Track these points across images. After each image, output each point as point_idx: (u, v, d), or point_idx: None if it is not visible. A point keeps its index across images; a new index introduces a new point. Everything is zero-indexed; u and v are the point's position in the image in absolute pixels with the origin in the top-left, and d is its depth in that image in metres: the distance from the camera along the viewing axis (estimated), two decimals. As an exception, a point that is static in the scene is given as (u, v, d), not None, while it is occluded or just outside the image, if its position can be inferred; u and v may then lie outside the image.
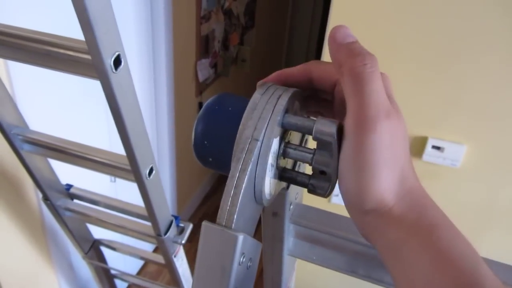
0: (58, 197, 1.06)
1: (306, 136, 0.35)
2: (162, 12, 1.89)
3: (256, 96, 0.29)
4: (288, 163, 0.33)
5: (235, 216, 0.27)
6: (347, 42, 0.30)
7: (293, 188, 0.41)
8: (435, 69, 1.25)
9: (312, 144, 0.31)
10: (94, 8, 0.53)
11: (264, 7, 3.43)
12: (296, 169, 0.34)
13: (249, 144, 0.27)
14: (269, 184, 0.30)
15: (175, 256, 1.05)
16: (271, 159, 0.29)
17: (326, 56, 1.36)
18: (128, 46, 1.78)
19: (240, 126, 0.28)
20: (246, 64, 3.09)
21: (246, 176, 0.27)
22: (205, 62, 2.45)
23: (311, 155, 0.29)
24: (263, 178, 0.28)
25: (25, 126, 0.89)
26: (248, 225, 0.29)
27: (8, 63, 1.13)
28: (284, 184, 0.38)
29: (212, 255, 0.27)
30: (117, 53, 0.60)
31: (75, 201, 1.11)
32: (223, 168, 0.30)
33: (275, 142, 0.29)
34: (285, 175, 0.32)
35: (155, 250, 2.26)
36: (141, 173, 0.77)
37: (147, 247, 2.17)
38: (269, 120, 0.28)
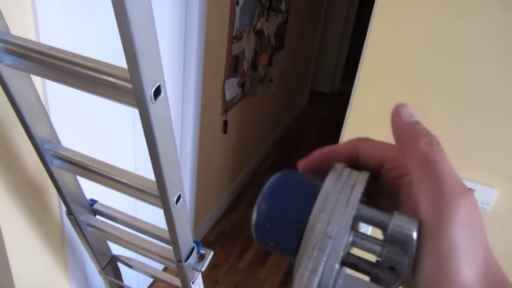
0: (81, 212, 1.06)
1: None
2: (195, 30, 1.91)
3: (327, 184, 0.27)
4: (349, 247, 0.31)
5: None
6: (411, 122, 0.30)
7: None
8: (468, 108, 1.22)
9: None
10: (140, 39, 0.53)
11: (294, 29, 3.45)
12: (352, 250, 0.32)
13: (321, 241, 0.26)
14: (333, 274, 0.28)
15: (193, 283, 1.03)
16: (342, 253, 0.27)
17: (358, 84, 1.34)
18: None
19: (311, 218, 0.26)
20: (273, 84, 3.09)
21: (317, 278, 0.25)
22: (233, 81, 2.46)
23: (381, 248, 0.27)
24: (331, 273, 0.26)
25: (57, 141, 0.90)
26: None
27: (45, 80, 1.15)
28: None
29: None
30: (158, 84, 0.60)
31: (98, 217, 1.10)
32: (284, 253, 0.29)
33: (347, 235, 0.27)
34: (347, 260, 0.30)
35: (165, 269, 2.24)
36: (169, 200, 0.76)
37: (158, 264, 2.16)
38: (343, 215, 0.26)
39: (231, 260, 2.59)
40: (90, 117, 1.45)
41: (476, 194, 1.28)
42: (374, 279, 0.28)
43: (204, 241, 2.66)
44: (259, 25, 2.64)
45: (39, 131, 0.85)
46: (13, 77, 0.75)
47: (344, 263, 0.29)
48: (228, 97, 2.43)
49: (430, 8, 1.17)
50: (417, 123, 0.30)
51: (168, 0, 1.75)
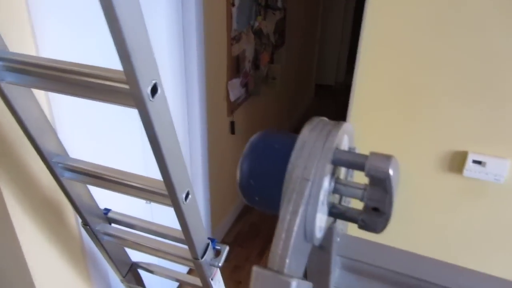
0: (97, 222, 1.08)
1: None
2: (194, 34, 1.92)
3: (304, 132, 0.28)
4: (335, 198, 0.31)
5: (287, 260, 0.26)
6: None
7: (340, 221, 0.39)
8: (477, 82, 1.21)
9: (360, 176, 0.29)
10: (132, 39, 0.54)
11: (293, 25, 3.45)
12: (342, 202, 0.33)
13: (299, 184, 0.26)
14: (319, 222, 0.28)
15: (212, 279, 1.04)
16: (322, 197, 0.28)
17: (359, 71, 1.34)
18: (161, 69, 1.82)
19: (289, 165, 0.27)
20: (276, 82, 3.10)
21: (298, 218, 0.26)
22: (236, 82, 2.48)
23: (362, 191, 0.28)
24: (314, 217, 0.27)
25: (65, 154, 0.92)
26: (299, 265, 0.28)
27: (49, 93, 1.17)
28: (332, 218, 0.37)
29: None
30: (154, 82, 0.61)
31: (113, 225, 1.12)
32: (270, 207, 0.29)
33: (326, 180, 0.28)
34: (334, 211, 0.30)
35: (190, 272, 2.26)
36: (177, 198, 0.77)
37: (183, 268, 2.17)
38: (319, 158, 0.27)
39: (252, 259, 2.60)
40: (96, 126, 1.47)
41: (488, 167, 1.27)
42: (362, 225, 0.29)
43: (223, 244, 2.67)
44: (257, 24, 2.65)
45: (47, 145, 0.87)
46: (16, 94, 0.77)
47: (331, 213, 0.30)
48: (232, 98, 2.45)
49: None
50: None
51: (164, 7, 1.77)
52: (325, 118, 0.31)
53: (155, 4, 1.71)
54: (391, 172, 0.27)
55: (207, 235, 0.97)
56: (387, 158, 0.27)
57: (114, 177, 0.87)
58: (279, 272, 0.26)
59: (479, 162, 1.28)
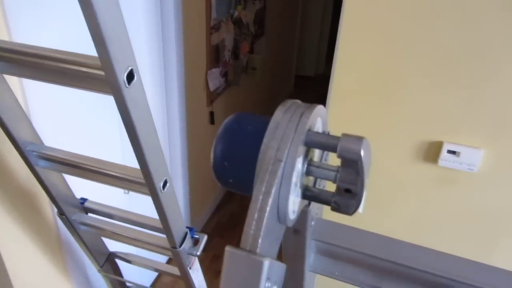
0: (73, 211, 1.07)
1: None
2: (172, 23, 1.90)
3: (277, 114, 0.28)
4: (310, 180, 0.32)
5: (260, 240, 0.26)
6: None
7: (314, 204, 0.40)
8: (451, 73, 1.24)
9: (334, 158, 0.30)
10: (107, 24, 0.53)
11: (273, 16, 3.44)
12: (317, 185, 0.33)
13: (272, 165, 0.26)
14: (292, 203, 0.29)
15: (190, 268, 1.04)
16: (295, 179, 0.28)
17: (337, 62, 1.35)
18: (139, 58, 1.79)
19: (262, 146, 0.27)
20: (256, 72, 3.09)
21: (271, 199, 0.26)
22: (215, 72, 2.46)
23: (335, 173, 0.28)
24: (287, 198, 0.27)
25: (40, 142, 0.90)
26: (273, 246, 0.28)
27: (22, 80, 1.14)
28: (306, 201, 0.37)
29: (238, 280, 0.26)
30: (130, 68, 0.60)
31: (90, 215, 1.11)
32: (244, 189, 0.29)
33: (299, 161, 0.28)
34: (307, 193, 0.31)
35: (169, 262, 2.26)
36: (155, 186, 0.76)
37: (161, 258, 2.17)
38: (292, 140, 0.27)
39: (232, 249, 2.61)
40: (72, 113, 1.44)
41: (462, 156, 1.30)
42: (335, 207, 0.29)
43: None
44: (236, 14, 2.64)
45: (21, 133, 0.85)
46: (-13, 80, 0.75)
47: (305, 196, 0.30)
48: (212, 88, 2.43)
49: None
50: None
51: (141, -5, 1.74)
52: (298, 101, 0.31)
53: (133, -9, 1.68)
54: (362, 153, 0.27)
55: (185, 224, 0.97)
56: (359, 139, 0.28)
57: (90, 166, 0.86)
58: (252, 251, 0.26)
59: (453, 152, 1.31)
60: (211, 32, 2.31)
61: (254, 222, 0.26)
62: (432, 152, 1.36)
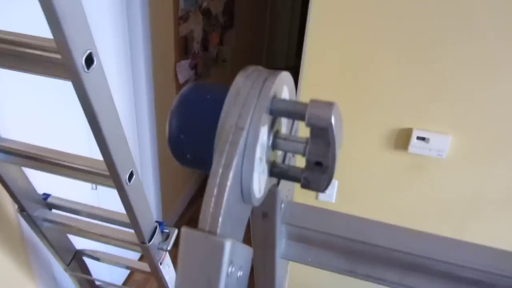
0: (35, 207, 1.02)
1: (296, 123, 0.31)
2: (138, 12, 1.84)
3: (238, 80, 0.26)
4: (278, 156, 0.29)
5: (220, 219, 0.23)
6: None
7: (284, 184, 0.37)
8: (418, 60, 1.24)
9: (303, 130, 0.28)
10: (62, 3, 0.50)
11: (242, 7, 3.40)
12: (287, 162, 0.31)
13: (233, 134, 0.23)
14: (258, 181, 0.26)
15: (161, 264, 1.01)
16: (259, 152, 0.25)
17: (306, 54, 1.34)
18: (104, 48, 1.73)
19: (222, 114, 0.24)
20: (227, 64, 3.05)
21: (231, 172, 0.23)
22: (184, 64, 2.41)
23: (304, 145, 0.26)
24: (251, 173, 0.24)
25: (-4, 134, 0.85)
26: (236, 229, 0.25)
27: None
28: (274, 180, 0.34)
29: (196, 266, 0.23)
30: (88, 51, 0.56)
31: (54, 211, 1.06)
32: (203, 166, 0.26)
33: (264, 132, 0.25)
34: (275, 170, 0.28)
35: (141, 259, 2.21)
36: (120, 178, 0.73)
37: (132, 255, 2.12)
38: (255, 106, 0.24)
39: (205, 243, 2.58)
40: (33, 103, 1.37)
41: (431, 143, 1.31)
42: (305, 183, 0.27)
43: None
44: (205, 4, 2.59)
45: (-26, 125, 0.80)
46: None
47: (273, 173, 0.28)
48: (181, 80, 2.39)
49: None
50: None
51: (105, -17, 1.68)
52: (260, 67, 0.28)
53: (96, -22, 1.62)
54: (333, 120, 0.25)
55: (154, 218, 0.94)
56: (329, 105, 0.25)
57: (51, 158, 0.82)
58: (211, 232, 0.23)
59: (423, 139, 1.32)
60: (179, 23, 2.26)
61: (213, 199, 0.23)
62: (402, 139, 1.37)
